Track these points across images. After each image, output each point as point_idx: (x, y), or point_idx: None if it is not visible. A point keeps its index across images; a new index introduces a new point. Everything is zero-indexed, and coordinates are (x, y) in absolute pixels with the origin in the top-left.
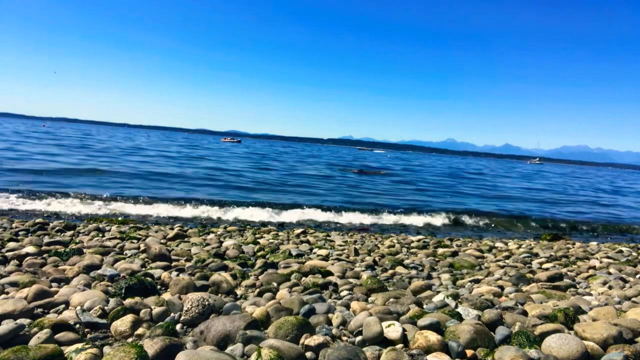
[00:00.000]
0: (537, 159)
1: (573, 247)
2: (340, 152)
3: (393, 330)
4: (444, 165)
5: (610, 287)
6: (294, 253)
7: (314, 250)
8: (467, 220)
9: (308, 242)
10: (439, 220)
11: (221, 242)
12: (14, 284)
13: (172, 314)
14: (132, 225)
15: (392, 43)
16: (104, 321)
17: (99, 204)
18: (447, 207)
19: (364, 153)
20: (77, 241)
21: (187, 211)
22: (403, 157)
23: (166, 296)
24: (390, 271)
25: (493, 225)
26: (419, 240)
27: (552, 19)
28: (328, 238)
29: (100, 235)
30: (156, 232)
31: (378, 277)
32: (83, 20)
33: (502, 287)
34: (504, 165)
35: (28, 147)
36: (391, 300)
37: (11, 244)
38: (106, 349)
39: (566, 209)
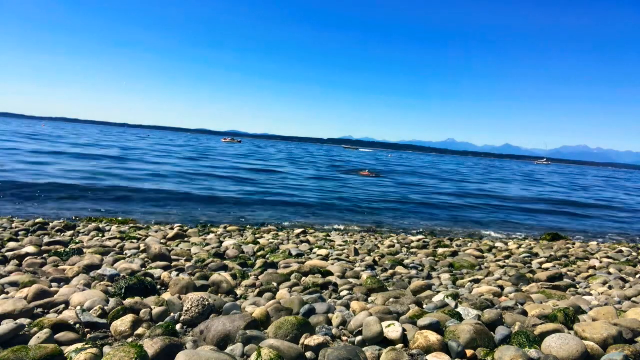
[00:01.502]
0: (545, 159)
1: (573, 247)
2: (334, 151)
3: (393, 330)
4: (465, 166)
5: (610, 287)
6: (294, 253)
7: (314, 250)
8: None
9: (308, 242)
10: None
11: (221, 242)
12: (14, 284)
13: (172, 314)
14: (132, 225)
15: (393, 42)
16: (104, 321)
17: None
18: None
19: (362, 153)
20: (77, 241)
21: None
22: (405, 157)
23: (166, 296)
24: (390, 271)
25: None
26: (419, 240)
27: (552, 18)
28: (328, 238)
29: (100, 235)
30: (156, 232)
31: (378, 277)
32: (83, 20)
33: (502, 287)
34: (523, 167)
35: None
36: (391, 300)
37: (11, 244)
38: (106, 349)
39: None
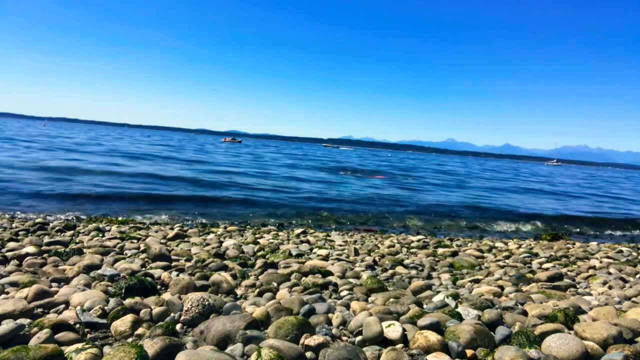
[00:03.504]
0: (555, 160)
1: (573, 247)
2: (332, 152)
3: (393, 330)
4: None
5: (610, 287)
6: (294, 253)
7: (314, 250)
8: None
9: (308, 242)
10: None
11: (221, 242)
12: (14, 284)
13: (172, 314)
14: (132, 225)
15: (393, 41)
16: (104, 321)
17: None
18: None
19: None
20: (77, 241)
21: None
22: (409, 158)
23: (166, 296)
24: (390, 271)
25: None
26: (418, 240)
27: (552, 18)
28: (328, 238)
29: (100, 235)
30: (156, 232)
31: (378, 277)
32: (83, 20)
33: (502, 287)
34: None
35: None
36: (391, 300)
37: (11, 244)
38: (106, 349)
39: None
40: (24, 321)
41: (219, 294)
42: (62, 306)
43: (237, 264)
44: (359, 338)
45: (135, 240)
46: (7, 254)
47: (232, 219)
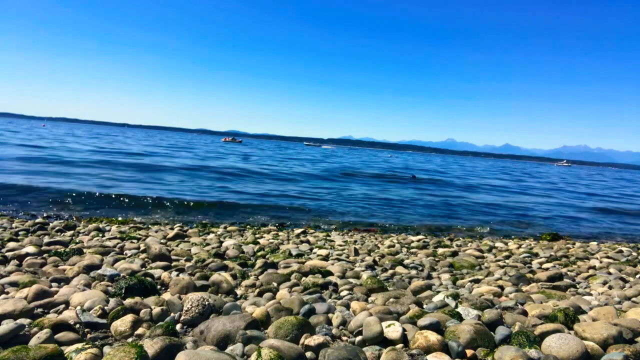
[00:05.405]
0: (565, 161)
1: (573, 247)
2: (324, 152)
3: (393, 330)
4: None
5: (610, 287)
6: (294, 253)
7: (314, 250)
8: None
9: (308, 242)
10: None
11: (221, 242)
12: (14, 284)
13: (172, 314)
14: (132, 225)
15: (393, 42)
16: (104, 321)
17: None
18: None
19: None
20: (77, 241)
21: None
22: (408, 158)
23: (166, 296)
24: (390, 271)
25: None
26: (418, 240)
27: (552, 17)
28: (328, 238)
29: (100, 235)
30: (156, 232)
31: (378, 277)
32: (83, 20)
33: (502, 287)
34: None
35: None
36: (391, 300)
37: (11, 244)
38: (106, 349)
39: None
40: (24, 321)
41: (219, 294)
42: (62, 306)
43: (237, 264)
44: (359, 338)
45: (135, 240)
46: (7, 254)
47: (231, 218)
